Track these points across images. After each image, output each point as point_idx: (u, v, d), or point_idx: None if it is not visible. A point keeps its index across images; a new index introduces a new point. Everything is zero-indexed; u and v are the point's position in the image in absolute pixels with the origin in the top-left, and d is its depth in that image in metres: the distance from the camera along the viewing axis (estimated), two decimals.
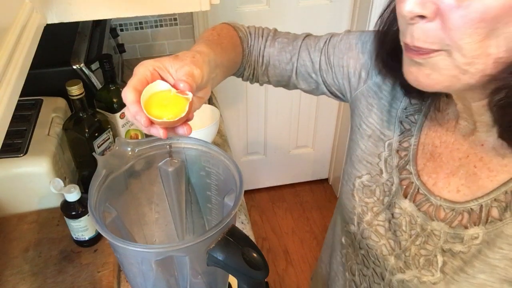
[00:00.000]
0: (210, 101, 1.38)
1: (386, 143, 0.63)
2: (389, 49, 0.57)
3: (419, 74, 0.47)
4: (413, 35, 0.45)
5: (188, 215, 0.67)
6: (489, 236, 0.51)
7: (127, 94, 0.47)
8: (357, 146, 0.67)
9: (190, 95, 0.48)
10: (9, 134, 0.77)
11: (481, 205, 0.52)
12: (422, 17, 0.43)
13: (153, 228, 0.68)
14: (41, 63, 0.96)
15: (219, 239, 0.48)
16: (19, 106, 1.00)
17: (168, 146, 0.60)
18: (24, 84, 0.56)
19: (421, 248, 0.58)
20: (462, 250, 0.53)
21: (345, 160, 0.69)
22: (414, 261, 0.58)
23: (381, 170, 0.63)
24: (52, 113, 1.03)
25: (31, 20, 0.65)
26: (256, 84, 0.79)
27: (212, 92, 1.53)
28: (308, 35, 0.74)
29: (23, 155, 0.91)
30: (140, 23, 1.68)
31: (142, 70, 0.49)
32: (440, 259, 0.56)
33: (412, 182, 0.59)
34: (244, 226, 1.01)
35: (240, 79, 0.76)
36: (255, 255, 0.49)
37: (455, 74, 0.45)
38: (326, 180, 2.51)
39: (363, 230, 0.66)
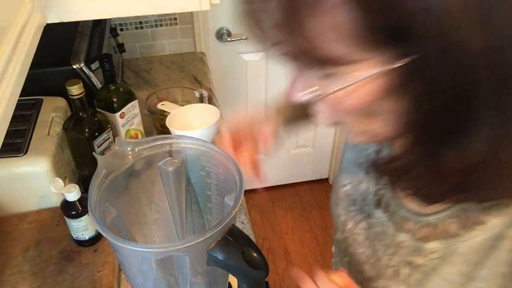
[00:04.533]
0: (210, 101, 1.38)
1: (366, 153, 0.64)
2: None
3: None
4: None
5: (188, 215, 0.67)
6: (446, 251, 0.51)
7: None
8: (344, 156, 0.69)
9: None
10: (9, 134, 0.77)
11: (441, 219, 0.51)
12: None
13: (153, 227, 0.68)
14: (41, 63, 0.96)
15: (219, 238, 0.48)
16: (19, 106, 1.00)
17: (168, 146, 0.60)
18: (24, 84, 0.56)
19: (391, 259, 0.58)
20: (422, 264, 0.53)
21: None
22: (385, 271, 0.59)
23: (360, 180, 0.64)
24: (52, 113, 1.03)
25: (31, 20, 0.65)
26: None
27: (212, 92, 1.53)
28: None
29: (23, 155, 0.91)
30: (140, 22, 1.68)
31: None
32: (405, 271, 0.56)
33: (387, 193, 0.59)
34: (244, 226, 1.01)
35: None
36: (255, 254, 0.49)
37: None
38: (326, 179, 2.51)
39: (347, 238, 0.67)
